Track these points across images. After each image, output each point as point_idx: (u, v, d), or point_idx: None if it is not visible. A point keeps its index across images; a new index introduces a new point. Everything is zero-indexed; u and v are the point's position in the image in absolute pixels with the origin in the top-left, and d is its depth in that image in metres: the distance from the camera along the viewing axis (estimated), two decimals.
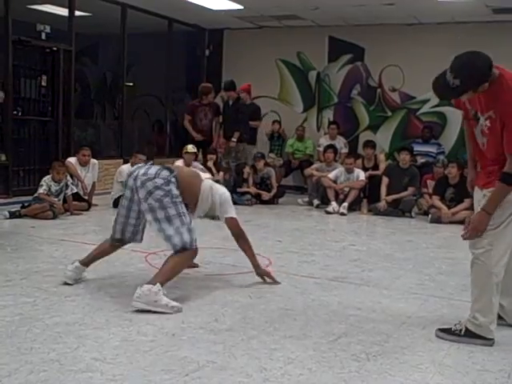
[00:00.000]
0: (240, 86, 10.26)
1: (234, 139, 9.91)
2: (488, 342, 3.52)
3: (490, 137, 3.47)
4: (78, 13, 9.83)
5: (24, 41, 8.78)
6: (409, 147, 9.65)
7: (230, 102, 10.19)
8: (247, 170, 9.74)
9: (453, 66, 3.34)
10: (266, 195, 9.66)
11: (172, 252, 4.22)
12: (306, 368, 3.12)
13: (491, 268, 3.47)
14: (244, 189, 9.65)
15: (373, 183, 9.32)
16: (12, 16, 8.64)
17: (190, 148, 9.30)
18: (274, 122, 11.66)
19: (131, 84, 10.18)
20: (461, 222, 8.23)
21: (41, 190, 7.60)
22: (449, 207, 8.36)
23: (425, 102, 10.90)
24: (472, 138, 3.68)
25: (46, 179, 7.71)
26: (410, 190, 8.87)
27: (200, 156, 9.92)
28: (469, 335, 3.56)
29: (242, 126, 9.96)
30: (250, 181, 9.74)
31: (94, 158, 8.67)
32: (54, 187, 7.71)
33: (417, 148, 10.32)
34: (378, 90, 11.34)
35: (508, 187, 3.38)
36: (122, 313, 3.86)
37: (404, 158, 9.03)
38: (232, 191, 9.47)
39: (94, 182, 8.59)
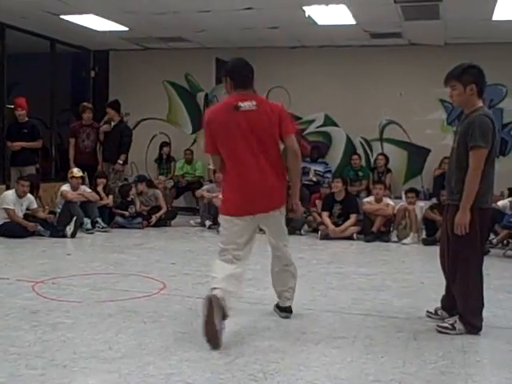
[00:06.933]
0: (18, 100, 9.55)
1: (120, 161, 9.70)
2: None
3: None
4: None
5: None
6: None
7: (112, 123, 9.98)
8: (133, 192, 9.56)
9: None
10: (153, 219, 9.53)
11: None
12: None
13: None
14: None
15: None
16: None
17: (76, 172, 9.06)
18: (162, 145, 11.58)
19: (12, 106, 9.77)
20: (349, 238, 8.57)
21: None
22: (337, 223, 8.65)
23: (310, 122, 11.23)
24: None
25: None
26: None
27: (87, 179, 9.71)
28: None
29: (126, 148, 9.87)
30: (137, 203, 9.58)
31: None
32: None
33: (306, 165, 10.63)
34: None
35: None
36: (7, 347, 3.66)
37: None
38: (117, 214, 9.35)
39: None
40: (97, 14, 9.21)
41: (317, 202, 9.33)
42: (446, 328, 4.10)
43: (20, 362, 3.42)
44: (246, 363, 3.48)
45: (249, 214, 4.21)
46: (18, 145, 9.25)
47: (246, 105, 4.15)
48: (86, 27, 10.00)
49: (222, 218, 4.32)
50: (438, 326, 4.16)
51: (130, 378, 3.22)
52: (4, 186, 9.52)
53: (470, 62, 4.16)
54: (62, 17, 9.37)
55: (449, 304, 4.31)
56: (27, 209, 8.33)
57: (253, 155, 4.14)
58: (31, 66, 11.31)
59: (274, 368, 3.41)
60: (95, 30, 10.23)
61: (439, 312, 4.41)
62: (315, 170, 10.63)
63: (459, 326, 4.08)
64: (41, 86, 11.38)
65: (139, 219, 9.39)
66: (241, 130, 4.11)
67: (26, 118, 9.45)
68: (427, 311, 4.52)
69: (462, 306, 4.12)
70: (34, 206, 8.39)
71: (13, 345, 3.69)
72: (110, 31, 10.29)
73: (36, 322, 4.18)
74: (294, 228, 8.85)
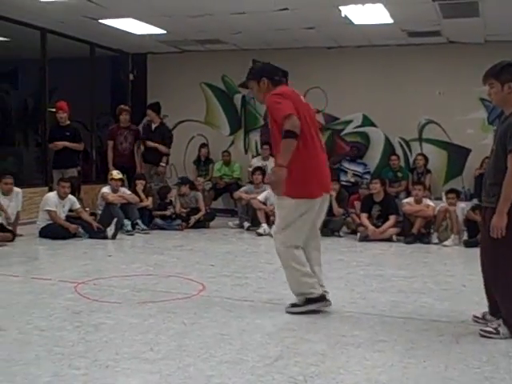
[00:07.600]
0: (59, 103, 9.67)
1: (162, 164, 9.85)
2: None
3: None
4: None
5: None
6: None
7: (153, 126, 10.11)
8: (171, 194, 9.66)
9: None
10: (191, 220, 9.57)
11: None
12: None
13: None
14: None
15: None
16: None
17: (116, 174, 9.19)
18: (201, 146, 11.63)
19: (54, 110, 9.96)
20: (388, 240, 8.48)
21: None
22: (376, 225, 8.57)
23: (348, 122, 11.17)
24: None
25: None
26: (340, 210, 9.02)
27: (126, 181, 9.84)
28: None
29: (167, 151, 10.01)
30: (178, 205, 9.67)
31: (16, 186, 8.37)
32: None
33: (345, 165, 10.61)
34: None
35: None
36: (52, 347, 3.72)
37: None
38: (157, 216, 9.42)
39: (17, 212, 8.29)
40: (135, 18, 9.32)
41: (355, 203, 9.26)
42: (490, 332, 4.02)
43: (64, 361, 3.48)
44: (285, 366, 3.48)
45: (324, 192, 4.54)
46: (61, 144, 9.41)
47: (301, 98, 4.61)
48: (125, 31, 10.13)
49: (297, 202, 4.39)
50: (481, 330, 4.08)
51: (171, 379, 3.25)
52: (47, 188, 9.71)
53: (509, 60, 4.08)
54: (100, 21, 9.52)
55: (492, 307, 4.23)
56: (70, 210, 8.47)
57: (318, 141, 4.54)
58: (71, 69, 11.52)
59: (314, 371, 3.40)
60: (133, 34, 10.35)
61: (487, 317, 4.31)
62: (353, 171, 10.57)
63: (503, 329, 4.00)
64: (81, 90, 11.57)
65: (178, 221, 9.46)
66: (309, 117, 4.50)
67: (68, 121, 9.61)
68: (474, 316, 4.41)
69: (505, 310, 4.03)
70: (77, 206, 8.51)
71: (57, 345, 3.76)
72: (148, 34, 10.40)
73: (79, 323, 4.24)
74: (332, 230, 8.83)
